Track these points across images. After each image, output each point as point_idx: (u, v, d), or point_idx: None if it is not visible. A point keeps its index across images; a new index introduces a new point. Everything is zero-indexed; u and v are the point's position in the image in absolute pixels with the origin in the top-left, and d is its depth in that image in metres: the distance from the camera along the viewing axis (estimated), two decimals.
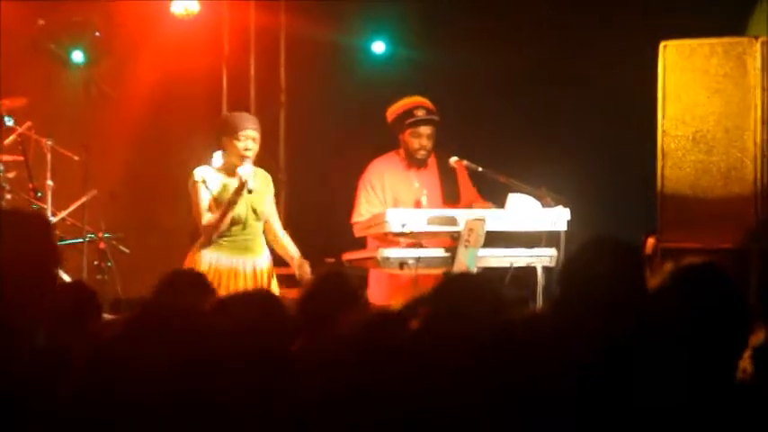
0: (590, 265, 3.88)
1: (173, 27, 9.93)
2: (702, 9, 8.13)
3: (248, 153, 6.71)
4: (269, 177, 6.99)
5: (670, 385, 3.20)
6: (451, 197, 7.74)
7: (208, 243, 6.74)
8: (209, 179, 6.72)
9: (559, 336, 3.25)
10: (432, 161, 7.78)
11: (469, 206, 7.53)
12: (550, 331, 3.28)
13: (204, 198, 6.71)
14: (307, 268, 6.91)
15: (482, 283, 3.94)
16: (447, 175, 7.76)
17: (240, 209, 6.71)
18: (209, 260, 6.71)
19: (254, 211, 6.78)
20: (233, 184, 6.69)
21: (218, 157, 6.79)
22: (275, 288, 6.83)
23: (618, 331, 3.62)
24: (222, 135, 6.79)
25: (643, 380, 3.22)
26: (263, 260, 6.86)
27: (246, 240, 6.78)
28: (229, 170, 6.74)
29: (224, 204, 6.66)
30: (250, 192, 6.61)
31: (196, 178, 6.72)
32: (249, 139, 6.73)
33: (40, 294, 3.74)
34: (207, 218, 6.69)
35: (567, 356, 3.17)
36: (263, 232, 6.96)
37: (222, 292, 6.52)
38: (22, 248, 3.71)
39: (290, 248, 7.04)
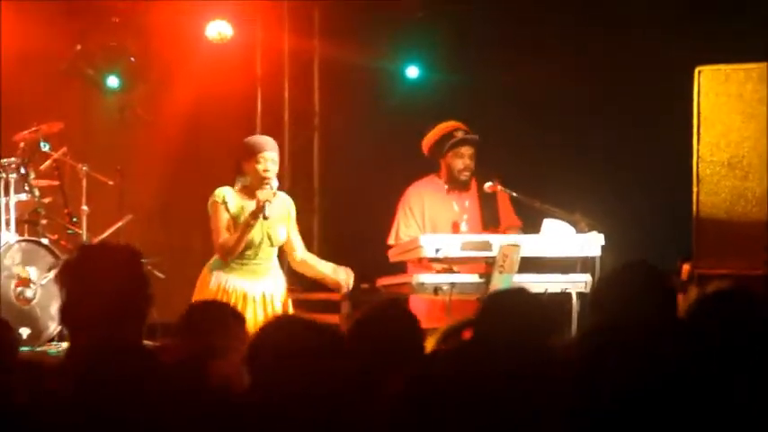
0: (620, 291, 3.88)
1: (207, 52, 9.99)
2: (740, 35, 8.08)
3: (268, 174, 6.68)
4: (289, 202, 6.94)
5: (707, 412, 3.17)
6: (491, 222, 7.72)
7: (222, 264, 6.71)
8: (229, 200, 6.70)
9: (588, 363, 3.23)
10: (472, 185, 7.77)
11: (503, 231, 7.53)
12: (579, 358, 3.26)
13: (223, 218, 6.68)
14: (345, 274, 6.87)
15: (530, 303, 3.91)
16: (487, 200, 7.74)
17: (255, 233, 6.67)
18: (217, 281, 6.69)
19: (269, 237, 6.73)
20: (252, 207, 6.66)
21: (239, 182, 6.77)
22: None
23: (649, 357, 3.61)
24: (242, 159, 6.76)
25: (678, 408, 3.20)
26: (274, 286, 6.81)
27: (258, 265, 6.74)
28: (250, 193, 6.71)
29: (240, 226, 6.64)
30: (266, 218, 6.59)
31: (216, 198, 6.70)
32: (268, 160, 6.69)
33: (131, 332, 3.59)
34: (224, 237, 6.67)
35: (596, 384, 3.15)
36: (292, 260, 6.95)
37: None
38: (112, 283, 3.55)
39: (319, 265, 6.98)
